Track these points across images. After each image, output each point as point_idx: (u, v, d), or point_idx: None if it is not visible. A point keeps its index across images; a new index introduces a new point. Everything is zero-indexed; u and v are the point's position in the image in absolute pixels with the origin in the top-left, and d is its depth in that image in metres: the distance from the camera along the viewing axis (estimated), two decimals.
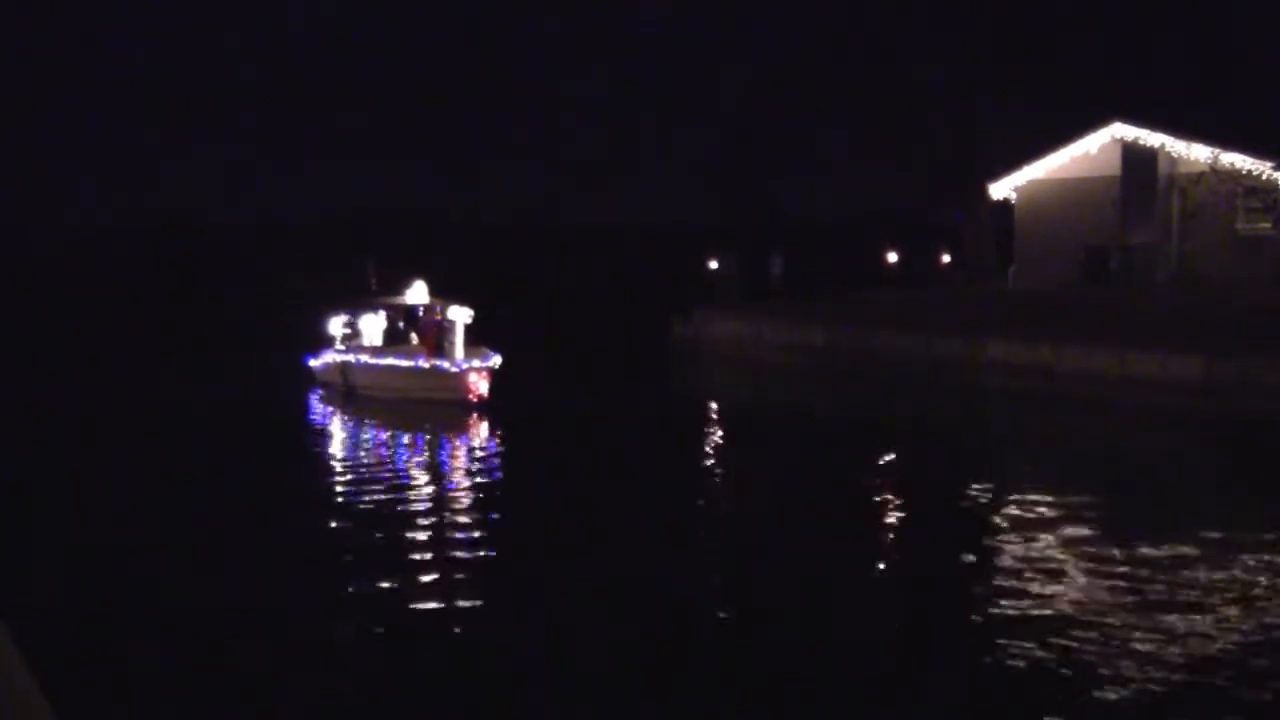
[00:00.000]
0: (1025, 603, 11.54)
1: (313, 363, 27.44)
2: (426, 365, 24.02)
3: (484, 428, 22.46)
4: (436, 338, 24.47)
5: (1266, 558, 13.02)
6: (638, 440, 21.78)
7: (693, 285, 40.29)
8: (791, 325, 30.94)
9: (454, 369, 23.75)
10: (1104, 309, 26.90)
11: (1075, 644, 10.33)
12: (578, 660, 10.22)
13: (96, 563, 13.23)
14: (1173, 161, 31.32)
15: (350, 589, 12.21)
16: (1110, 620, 10.98)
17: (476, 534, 14.50)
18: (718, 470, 19.53)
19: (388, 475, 18.21)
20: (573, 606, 11.65)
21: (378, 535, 14.38)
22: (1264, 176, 29.49)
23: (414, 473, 18.90)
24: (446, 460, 20.27)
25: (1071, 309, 27.54)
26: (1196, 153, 30.58)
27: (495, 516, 15.46)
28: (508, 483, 17.88)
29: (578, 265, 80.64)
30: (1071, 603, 11.54)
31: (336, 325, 26.81)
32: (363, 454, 20.61)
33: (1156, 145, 31.45)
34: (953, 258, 41.16)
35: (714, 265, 41.21)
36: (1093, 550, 13.38)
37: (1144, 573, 12.42)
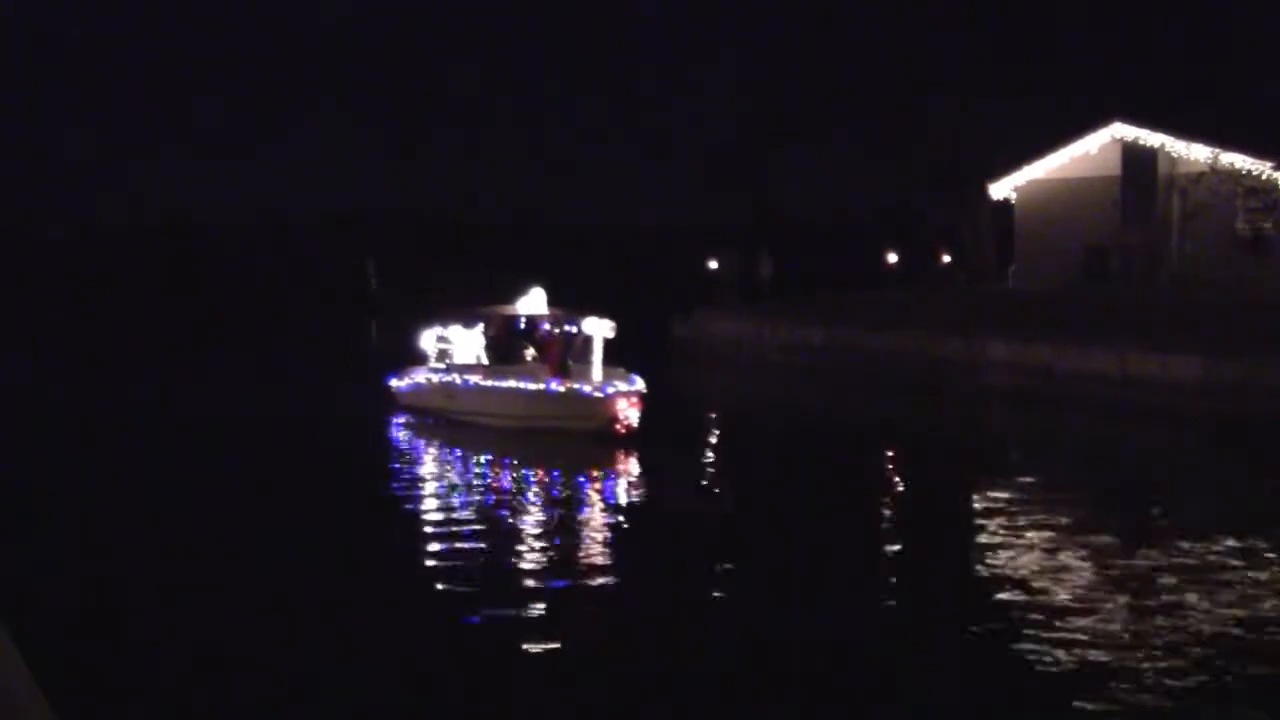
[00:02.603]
0: (1024, 603, 11.54)
1: (396, 384, 23.43)
2: (562, 389, 20.16)
3: (633, 465, 18.72)
4: (561, 355, 20.81)
5: (1266, 557, 13.02)
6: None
7: (693, 285, 40.24)
8: (792, 325, 30.94)
9: (598, 394, 19.89)
10: (1104, 309, 26.89)
11: (1074, 645, 10.33)
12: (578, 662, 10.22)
13: (112, 565, 13.23)
14: (1173, 161, 31.31)
15: (370, 605, 12.22)
16: (1108, 620, 10.99)
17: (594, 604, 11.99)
18: (721, 472, 19.51)
19: (507, 518, 15.39)
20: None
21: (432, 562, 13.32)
22: (1264, 176, 29.47)
23: (554, 520, 15.39)
24: (588, 506, 16.57)
25: (1071, 309, 27.53)
26: (1196, 153, 30.55)
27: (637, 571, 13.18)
28: (658, 533, 14.92)
29: (577, 265, 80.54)
30: (1070, 603, 11.53)
31: (431, 340, 23.08)
32: (478, 498, 16.76)
33: (1156, 145, 31.43)
34: (953, 258, 41.13)
35: (714, 265, 41.18)
36: (1092, 550, 13.38)
37: (1143, 573, 12.43)
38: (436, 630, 11.02)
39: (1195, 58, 40.05)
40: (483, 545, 13.98)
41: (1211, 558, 12.93)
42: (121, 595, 11.97)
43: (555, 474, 18.12)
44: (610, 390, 19.90)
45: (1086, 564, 12.86)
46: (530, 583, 12.55)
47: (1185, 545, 13.35)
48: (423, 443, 21.04)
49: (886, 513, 16.35)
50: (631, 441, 19.58)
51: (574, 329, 21.04)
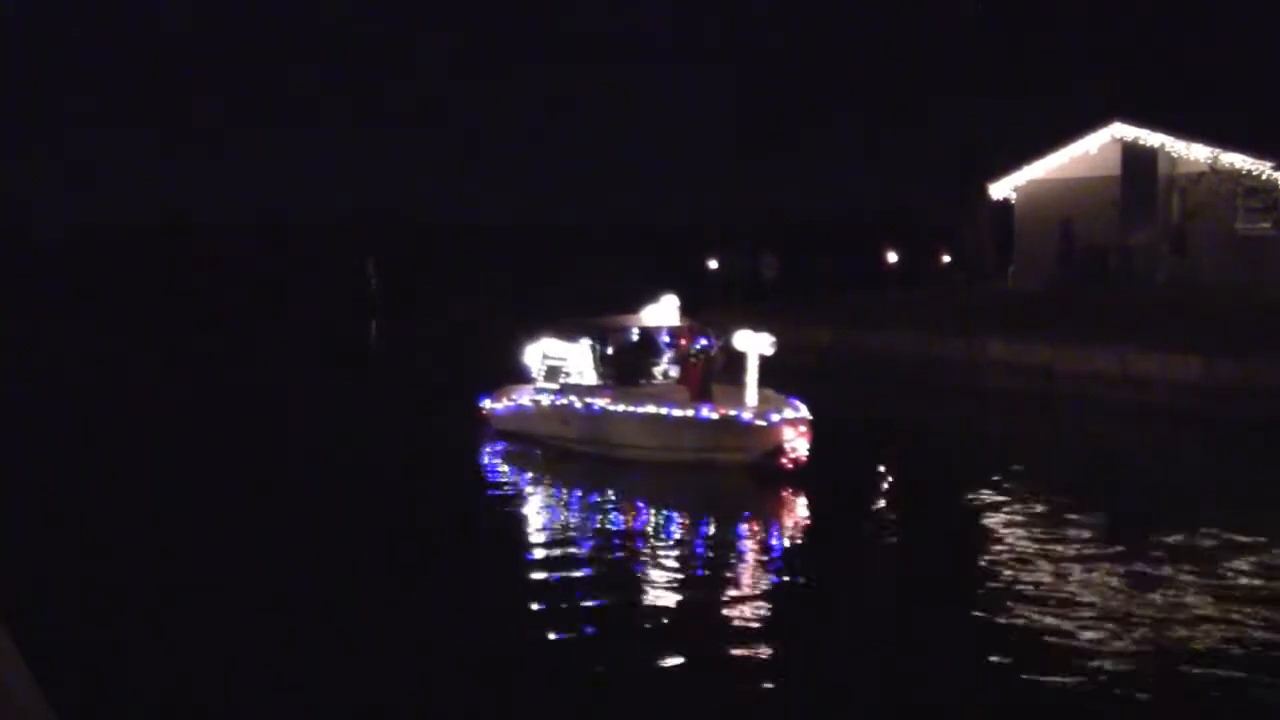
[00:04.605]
0: (1023, 604, 11.55)
1: (491, 405, 20.57)
2: (715, 415, 17.17)
3: (800, 507, 16.23)
4: (704, 375, 17.93)
5: (1264, 558, 13.02)
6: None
7: (693, 285, 40.24)
8: (793, 326, 30.93)
9: (760, 422, 16.96)
10: (1104, 309, 26.91)
11: (1072, 645, 10.34)
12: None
13: (123, 565, 13.24)
14: (1173, 161, 31.31)
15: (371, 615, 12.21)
16: (1107, 621, 10.99)
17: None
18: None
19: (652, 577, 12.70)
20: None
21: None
22: (1264, 176, 29.49)
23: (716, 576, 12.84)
24: (738, 554, 14.00)
25: (1071, 309, 27.54)
26: (1196, 153, 30.57)
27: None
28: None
29: (577, 266, 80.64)
30: (1069, 603, 11.54)
31: (536, 356, 20.05)
32: (596, 534, 14.53)
33: (1156, 145, 31.44)
34: (953, 258, 41.17)
35: (713, 265, 41.21)
36: (1090, 550, 13.38)
37: (1142, 573, 12.43)
38: (439, 631, 11.03)
39: (1195, 58, 40.07)
40: (583, 576, 12.68)
41: (1212, 558, 12.93)
42: (122, 595, 11.96)
43: (705, 516, 15.39)
44: (775, 417, 16.98)
45: (1082, 563, 12.86)
46: (618, 609, 11.52)
47: (1183, 546, 13.34)
48: (529, 475, 18.08)
49: (882, 511, 16.33)
50: (800, 478, 16.83)
51: (713, 343, 18.39)
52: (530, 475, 18.08)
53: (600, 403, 18.30)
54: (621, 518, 15.53)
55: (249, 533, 14.55)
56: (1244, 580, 12.19)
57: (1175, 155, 31.17)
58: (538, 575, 12.86)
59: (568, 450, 18.70)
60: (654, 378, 19.20)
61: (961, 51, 38.36)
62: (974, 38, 38.06)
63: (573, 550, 13.81)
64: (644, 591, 12.33)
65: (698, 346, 18.28)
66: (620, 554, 13.69)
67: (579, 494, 16.73)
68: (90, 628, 10.90)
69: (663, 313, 19.33)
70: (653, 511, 15.63)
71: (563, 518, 15.97)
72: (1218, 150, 30.02)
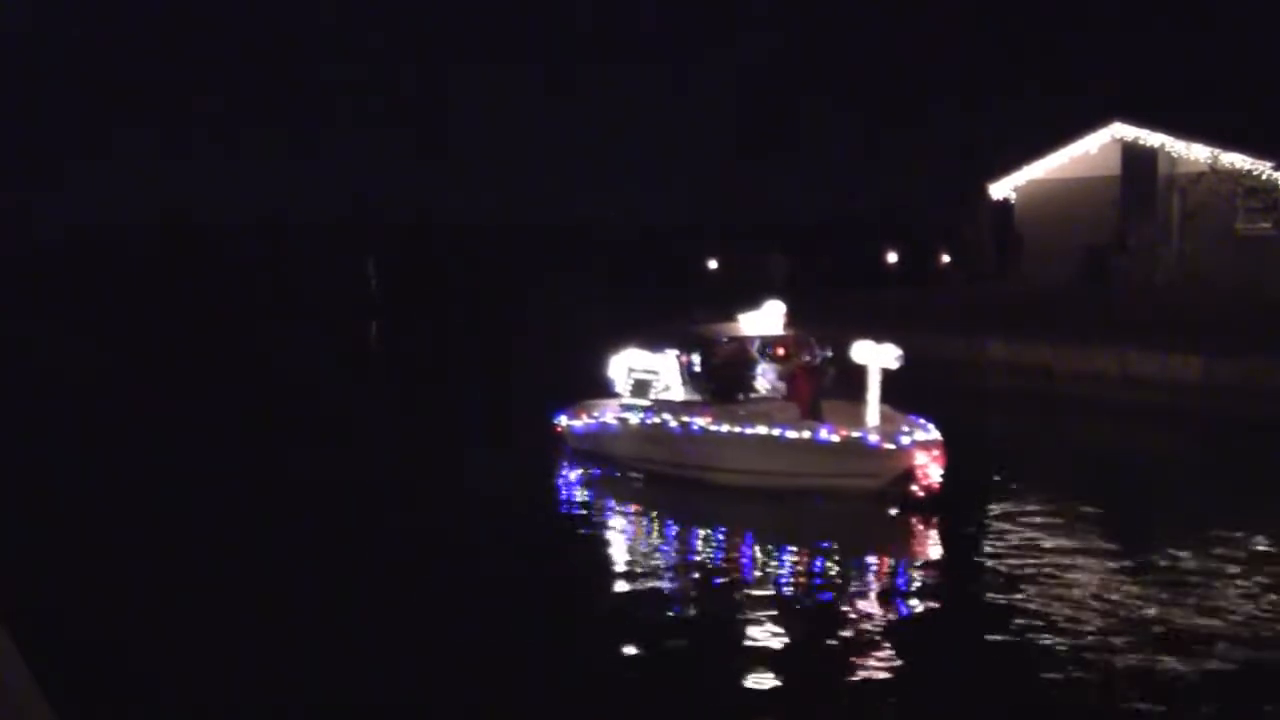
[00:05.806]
0: (1023, 604, 11.55)
1: (568, 422, 18.78)
2: (836, 438, 15.29)
3: (934, 541, 14.55)
4: (814, 391, 16.20)
5: (1265, 558, 13.03)
6: None
7: (693, 285, 40.19)
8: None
9: (889, 445, 15.06)
10: (1104, 309, 26.90)
11: (1072, 645, 10.34)
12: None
13: (128, 565, 13.24)
14: (1173, 161, 31.31)
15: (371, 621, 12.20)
16: (1107, 621, 11.00)
17: None
18: None
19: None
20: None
21: None
22: (1264, 176, 29.48)
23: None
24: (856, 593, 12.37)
25: (1071, 309, 27.54)
26: (1196, 153, 30.57)
27: None
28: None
29: (577, 266, 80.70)
30: (1069, 604, 11.54)
31: (622, 368, 18.21)
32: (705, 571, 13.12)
33: (1156, 145, 31.44)
34: (953, 258, 41.16)
35: (713, 265, 41.17)
36: (1091, 551, 13.39)
37: (1142, 574, 12.43)
38: (449, 632, 11.04)
39: (1195, 58, 40.11)
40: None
41: (1212, 558, 12.93)
42: (122, 595, 11.97)
43: (823, 546, 13.78)
44: (905, 439, 15.06)
45: (1082, 565, 12.87)
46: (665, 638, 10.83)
47: (1184, 547, 13.34)
48: (612, 501, 16.43)
49: (882, 511, 16.32)
50: (934, 507, 15.07)
51: (818, 355, 17.08)
52: (614, 500, 16.44)
53: (700, 422, 16.33)
54: (723, 545, 14.34)
55: (249, 533, 14.56)
56: (1244, 580, 12.19)
57: (1175, 155, 31.16)
58: (607, 593, 12.31)
59: (658, 473, 16.93)
60: (755, 393, 17.14)
61: (961, 51, 38.40)
62: (974, 38, 38.08)
63: (654, 572, 13.20)
64: (701, 611, 11.74)
65: (801, 359, 16.84)
66: (695, 574, 12.96)
67: (675, 520, 15.34)
68: (90, 628, 10.90)
69: (764, 320, 17.42)
70: (761, 542, 14.14)
71: (653, 544, 14.86)
72: (1218, 150, 30.01)
